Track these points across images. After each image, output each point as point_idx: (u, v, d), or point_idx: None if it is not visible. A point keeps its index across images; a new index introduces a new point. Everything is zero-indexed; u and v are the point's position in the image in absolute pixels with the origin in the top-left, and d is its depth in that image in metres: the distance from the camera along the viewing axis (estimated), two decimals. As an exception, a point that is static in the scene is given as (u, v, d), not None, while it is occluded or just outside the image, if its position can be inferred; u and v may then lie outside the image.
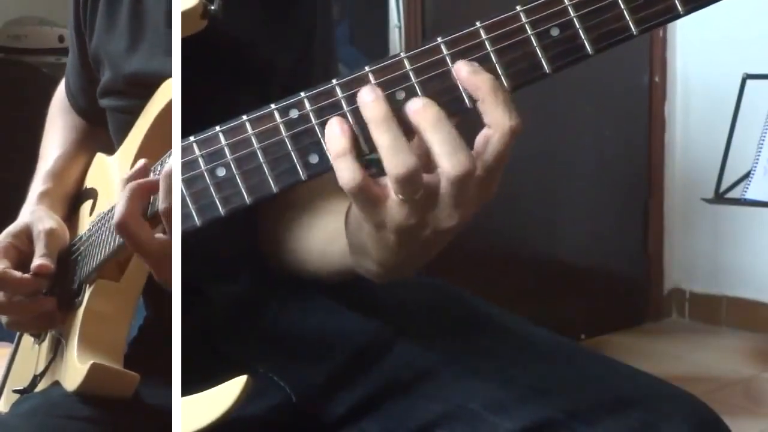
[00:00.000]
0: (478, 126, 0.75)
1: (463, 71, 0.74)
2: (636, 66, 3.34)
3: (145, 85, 1.03)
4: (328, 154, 0.75)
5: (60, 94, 1.28)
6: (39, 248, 1.10)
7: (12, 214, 1.18)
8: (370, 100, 0.74)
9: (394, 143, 0.73)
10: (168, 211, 0.86)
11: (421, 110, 0.74)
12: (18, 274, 1.09)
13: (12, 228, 1.13)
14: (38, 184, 1.20)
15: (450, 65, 0.75)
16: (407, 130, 0.74)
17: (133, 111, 1.06)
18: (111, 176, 1.12)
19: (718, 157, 2.54)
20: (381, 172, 0.76)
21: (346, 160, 0.74)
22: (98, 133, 1.19)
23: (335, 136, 0.74)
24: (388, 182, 0.74)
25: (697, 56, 3.35)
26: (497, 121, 0.74)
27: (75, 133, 1.24)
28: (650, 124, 3.41)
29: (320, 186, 0.99)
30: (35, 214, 1.15)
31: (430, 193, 0.74)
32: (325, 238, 0.98)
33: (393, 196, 0.75)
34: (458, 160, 0.73)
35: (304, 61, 1.08)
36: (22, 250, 1.11)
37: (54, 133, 1.25)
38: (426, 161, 0.74)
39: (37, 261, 1.09)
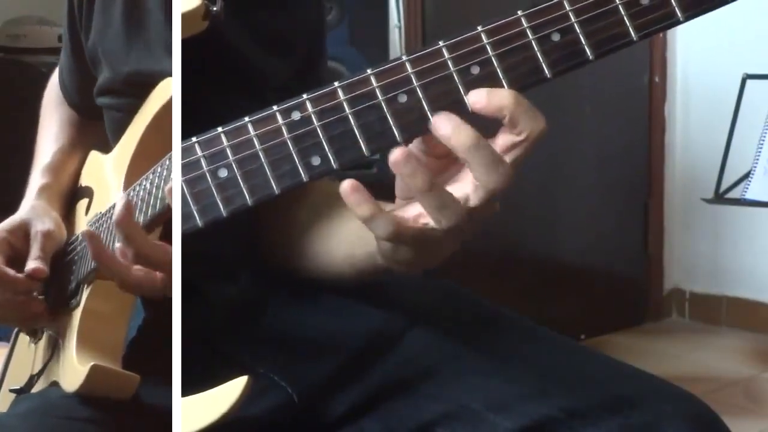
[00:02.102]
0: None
1: (480, 100, 0.75)
2: (636, 66, 3.34)
3: (144, 85, 1.03)
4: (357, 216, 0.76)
5: (54, 84, 1.28)
6: (35, 250, 1.10)
7: (11, 214, 1.18)
8: (449, 128, 0.75)
9: (491, 161, 0.75)
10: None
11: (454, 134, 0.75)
12: (11, 272, 1.08)
13: (8, 223, 1.13)
14: (37, 177, 1.20)
15: (451, 69, 0.76)
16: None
17: (130, 110, 1.06)
18: (106, 175, 1.12)
19: (718, 157, 2.53)
20: (383, 170, 0.77)
21: (377, 219, 0.76)
22: (92, 126, 1.19)
23: (358, 205, 0.76)
24: (419, 210, 0.77)
25: (697, 56, 3.35)
26: (530, 128, 0.75)
27: (71, 127, 1.24)
28: (650, 124, 3.41)
29: (336, 192, 0.99)
30: (35, 210, 1.15)
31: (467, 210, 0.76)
32: (350, 243, 0.98)
33: (431, 224, 0.77)
34: (502, 171, 0.76)
35: (306, 74, 1.08)
36: (15, 246, 1.11)
37: (50, 125, 1.25)
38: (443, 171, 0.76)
39: (32, 264, 1.09)
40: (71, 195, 1.20)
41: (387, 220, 0.76)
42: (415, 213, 0.78)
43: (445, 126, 0.75)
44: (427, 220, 0.77)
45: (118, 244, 0.93)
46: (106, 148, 1.14)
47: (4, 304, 1.09)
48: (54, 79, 1.28)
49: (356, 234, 0.93)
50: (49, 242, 1.11)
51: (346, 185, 0.75)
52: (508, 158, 0.76)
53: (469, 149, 0.74)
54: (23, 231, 1.12)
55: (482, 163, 0.75)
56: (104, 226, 1.02)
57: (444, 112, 0.75)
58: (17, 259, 1.10)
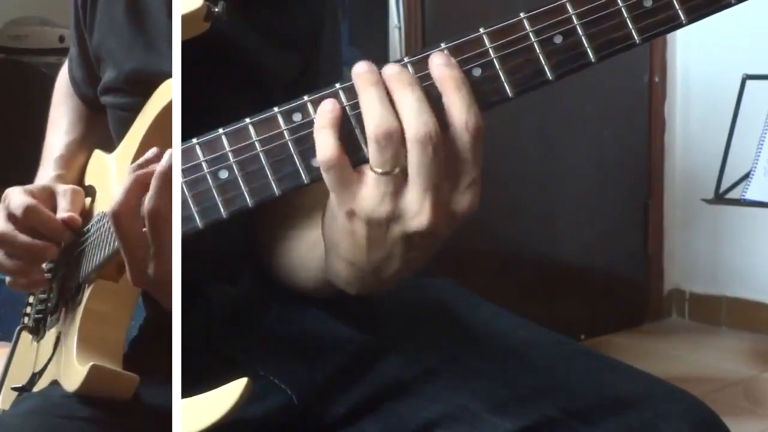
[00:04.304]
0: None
1: (435, 62, 0.75)
2: (636, 66, 3.34)
3: (146, 83, 1.03)
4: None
5: (64, 75, 1.28)
6: (64, 203, 1.10)
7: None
8: (363, 70, 0.76)
9: (375, 103, 0.74)
10: (152, 212, 0.86)
11: (396, 74, 0.75)
12: (48, 211, 1.08)
13: (32, 185, 1.13)
14: (50, 169, 1.20)
15: None
16: None
17: (133, 108, 1.06)
18: (109, 175, 1.12)
19: (718, 158, 2.54)
20: None
21: (327, 133, 0.75)
22: (101, 119, 1.19)
23: (323, 111, 0.75)
24: (367, 161, 0.75)
25: (697, 56, 3.35)
26: (455, 117, 0.74)
27: (82, 120, 1.24)
28: (650, 124, 3.41)
29: (311, 202, 0.99)
30: (55, 180, 1.16)
31: (403, 168, 0.74)
32: (306, 247, 0.98)
33: (368, 175, 0.75)
34: (423, 120, 0.73)
35: (309, 71, 1.08)
36: (41, 202, 1.11)
37: (61, 117, 1.26)
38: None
39: (65, 213, 1.09)
40: None
41: (334, 142, 0.75)
42: (360, 170, 0.76)
43: (392, 67, 0.75)
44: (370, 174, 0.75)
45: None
46: (111, 141, 1.14)
47: (25, 246, 1.08)
48: (64, 71, 1.28)
49: (314, 238, 0.93)
50: (77, 198, 1.12)
51: (328, 99, 0.76)
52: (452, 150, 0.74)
53: (403, 88, 0.74)
54: (48, 192, 1.12)
55: (410, 103, 0.74)
56: (106, 225, 1.02)
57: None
58: None
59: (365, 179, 0.75)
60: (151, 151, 0.92)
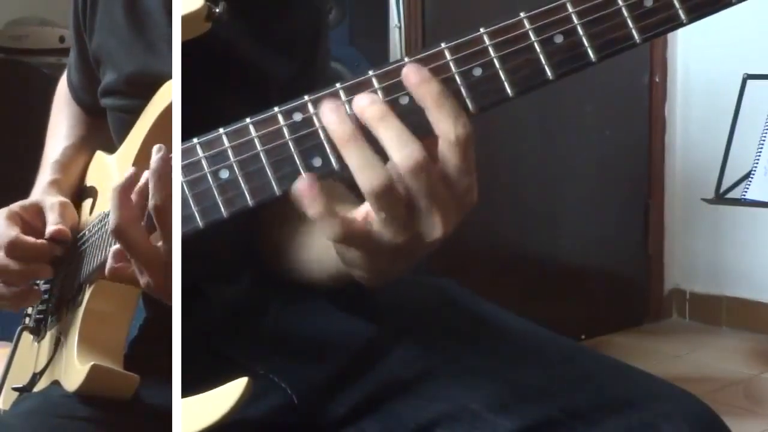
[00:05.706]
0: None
1: (411, 81, 0.74)
2: (636, 66, 3.34)
3: (147, 85, 1.03)
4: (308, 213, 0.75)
5: (64, 81, 1.29)
6: (53, 217, 1.11)
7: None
8: (333, 119, 0.74)
9: (363, 160, 0.73)
10: (158, 208, 0.86)
11: (365, 109, 0.74)
12: (31, 239, 1.09)
13: (20, 202, 1.14)
14: (47, 173, 1.20)
15: (453, 71, 0.75)
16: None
17: (133, 111, 1.06)
18: (110, 176, 1.12)
19: (718, 157, 2.54)
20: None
21: (324, 220, 0.74)
22: (100, 124, 1.19)
23: (309, 204, 0.74)
24: (367, 208, 0.75)
25: (697, 56, 3.36)
26: (443, 131, 0.73)
27: (81, 125, 1.25)
28: (650, 124, 3.41)
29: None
30: (45, 193, 1.16)
31: (408, 201, 0.74)
32: (322, 244, 0.98)
33: (375, 220, 0.75)
34: (407, 153, 0.72)
35: (307, 72, 1.08)
36: (28, 221, 1.11)
37: (60, 122, 1.26)
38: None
39: (52, 227, 1.09)
40: (78, 193, 1.20)
41: (334, 222, 0.74)
42: (364, 211, 0.76)
43: (362, 99, 0.74)
44: (373, 218, 0.75)
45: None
46: (112, 145, 1.14)
47: (17, 273, 1.09)
48: (63, 80, 1.29)
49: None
50: (66, 211, 1.12)
51: (301, 184, 0.74)
52: (444, 163, 0.74)
53: (379, 121, 0.73)
54: (36, 208, 1.13)
55: (390, 136, 0.73)
56: (107, 226, 1.02)
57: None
58: (32, 234, 1.10)
59: (374, 219, 0.75)
60: (129, 171, 0.92)
